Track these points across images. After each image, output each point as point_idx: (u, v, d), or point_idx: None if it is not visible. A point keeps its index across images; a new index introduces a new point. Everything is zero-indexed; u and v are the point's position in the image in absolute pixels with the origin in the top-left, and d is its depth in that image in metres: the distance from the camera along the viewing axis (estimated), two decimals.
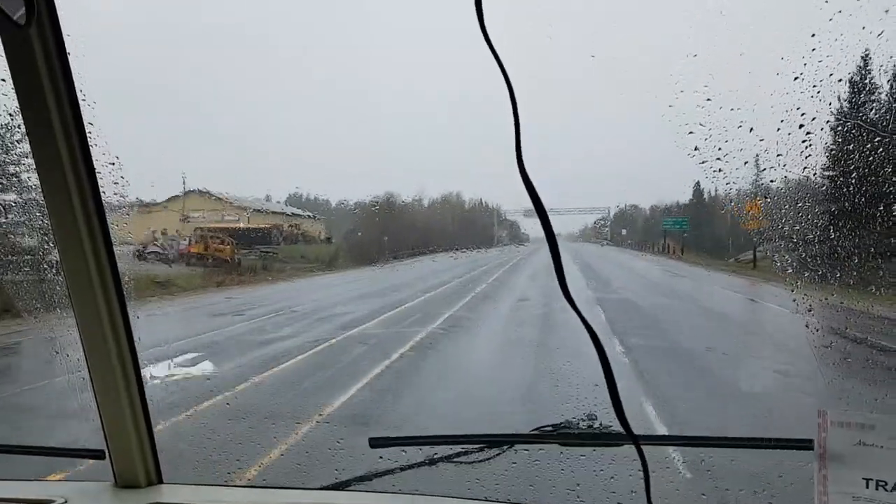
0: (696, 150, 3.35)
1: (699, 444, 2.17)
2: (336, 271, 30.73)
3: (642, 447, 1.34)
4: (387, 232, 34.18)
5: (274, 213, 40.04)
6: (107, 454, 1.87)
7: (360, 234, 35.66)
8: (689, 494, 4.25)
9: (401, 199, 39.35)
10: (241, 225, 34.97)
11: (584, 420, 2.12)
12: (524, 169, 1.20)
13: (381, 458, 2.20)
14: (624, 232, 47.83)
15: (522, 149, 1.18)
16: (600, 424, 2.09)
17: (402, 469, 2.01)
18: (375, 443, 2.06)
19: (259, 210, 38.67)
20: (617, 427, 1.35)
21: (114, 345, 1.71)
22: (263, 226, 35.90)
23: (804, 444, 1.55)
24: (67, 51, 1.46)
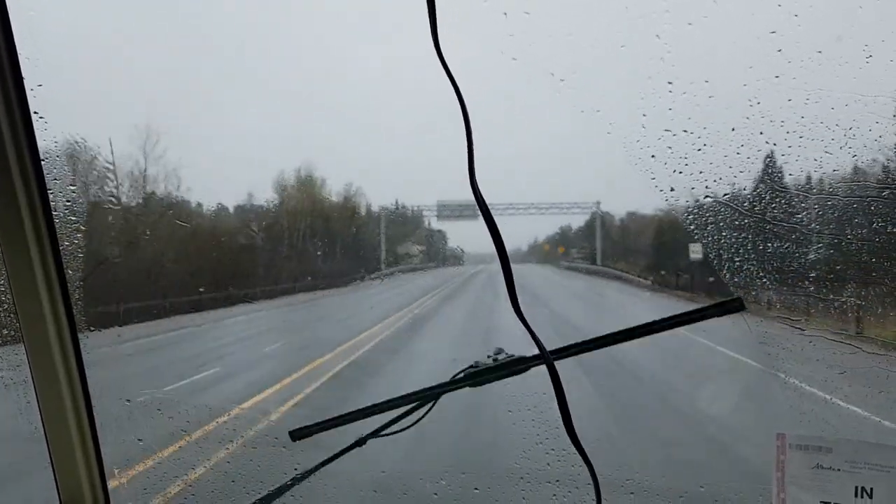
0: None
1: (613, 342, 1.95)
2: None
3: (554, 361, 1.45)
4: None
5: None
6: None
7: None
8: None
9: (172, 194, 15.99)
10: None
11: (490, 356, 2.18)
12: (473, 176, 1.13)
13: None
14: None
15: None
16: (508, 355, 2.17)
17: (326, 462, 1.92)
18: (297, 434, 1.93)
19: None
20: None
21: (64, 374, 1.73)
22: None
23: (734, 306, 1.43)
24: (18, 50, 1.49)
